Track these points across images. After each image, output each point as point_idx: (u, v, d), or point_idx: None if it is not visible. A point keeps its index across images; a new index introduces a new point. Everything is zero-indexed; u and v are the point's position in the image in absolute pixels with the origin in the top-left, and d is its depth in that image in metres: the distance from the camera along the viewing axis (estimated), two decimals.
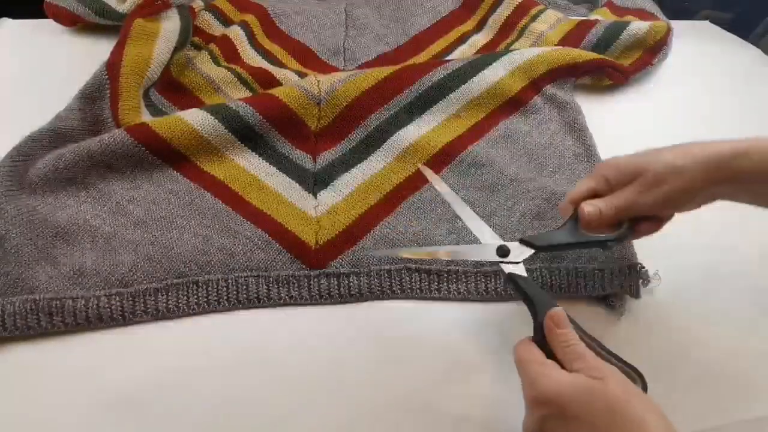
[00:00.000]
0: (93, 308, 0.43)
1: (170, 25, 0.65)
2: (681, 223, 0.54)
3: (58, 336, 0.43)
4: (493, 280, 0.47)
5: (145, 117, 0.56)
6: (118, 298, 0.44)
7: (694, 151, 0.38)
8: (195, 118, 0.53)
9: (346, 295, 0.46)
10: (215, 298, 0.45)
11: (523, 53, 0.64)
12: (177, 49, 0.64)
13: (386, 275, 0.47)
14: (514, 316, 0.46)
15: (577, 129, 0.59)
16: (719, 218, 0.55)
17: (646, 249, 0.49)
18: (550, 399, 0.33)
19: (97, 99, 0.56)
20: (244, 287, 0.45)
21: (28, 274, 0.44)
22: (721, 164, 0.37)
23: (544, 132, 0.59)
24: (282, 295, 0.46)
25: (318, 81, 0.58)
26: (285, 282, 0.46)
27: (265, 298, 0.45)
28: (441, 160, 0.55)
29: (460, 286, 0.47)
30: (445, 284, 0.47)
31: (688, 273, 0.51)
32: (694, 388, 0.39)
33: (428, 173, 0.51)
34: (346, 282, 0.46)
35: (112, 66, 0.57)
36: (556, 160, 0.56)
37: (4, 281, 0.43)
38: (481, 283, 0.47)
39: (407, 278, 0.47)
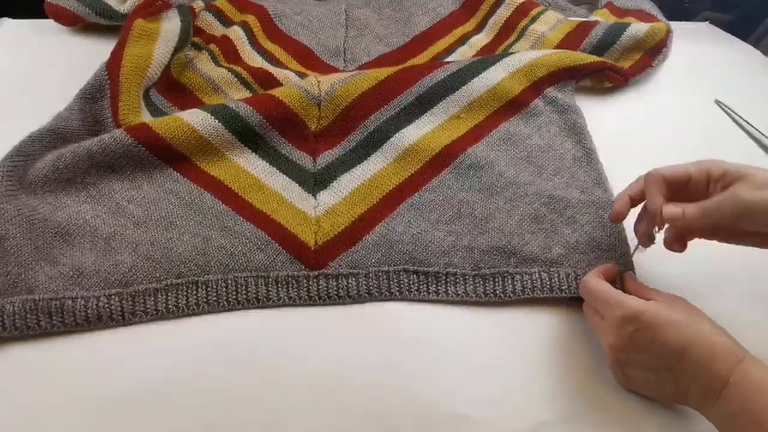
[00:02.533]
0: (92, 308, 0.43)
1: (170, 25, 0.65)
2: None
3: (57, 336, 0.43)
4: (491, 282, 0.47)
5: (145, 117, 0.56)
6: (117, 298, 0.44)
7: None
8: (195, 118, 0.53)
9: (345, 296, 0.46)
10: (215, 298, 0.45)
11: (524, 56, 0.64)
12: (177, 49, 0.64)
13: (384, 276, 0.47)
14: (513, 319, 0.46)
15: (577, 132, 0.59)
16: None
17: (646, 250, 0.49)
18: (639, 314, 0.38)
19: (97, 99, 0.56)
20: (243, 288, 0.45)
21: (27, 274, 0.44)
22: None
23: (544, 135, 0.59)
24: (281, 295, 0.46)
25: (318, 81, 0.58)
26: (284, 282, 0.46)
27: (264, 299, 0.45)
28: (441, 161, 0.55)
29: (458, 288, 0.47)
30: (443, 286, 0.47)
31: (687, 273, 0.51)
32: None
33: None
34: (345, 283, 0.46)
35: (113, 66, 0.57)
36: (555, 163, 0.56)
37: (3, 281, 0.43)
38: (479, 285, 0.47)
39: (405, 280, 0.47)
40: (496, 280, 0.47)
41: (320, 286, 0.46)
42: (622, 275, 0.46)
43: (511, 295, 0.47)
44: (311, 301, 0.46)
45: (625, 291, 0.43)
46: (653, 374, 0.38)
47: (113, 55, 0.58)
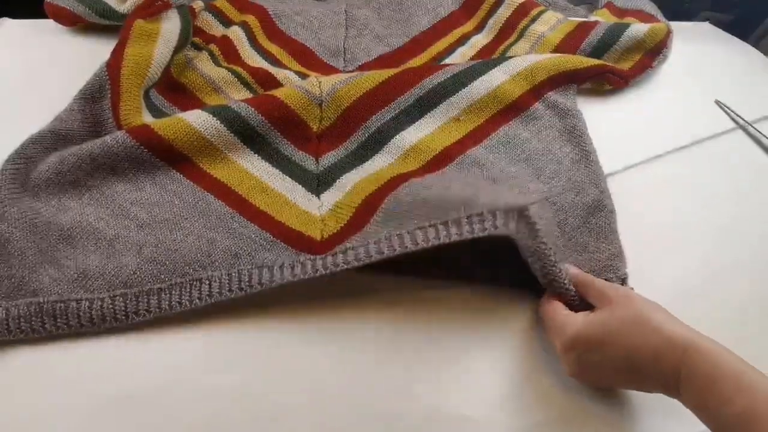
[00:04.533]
0: (97, 309, 0.43)
1: (170, 25, 0.65)
2: (681, 224, 0.54)
3: (58, 338, 0.43)
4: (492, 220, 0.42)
5: (146, 118, 0.56)
6: (122, 299, 0.44)
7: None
8: (197, 119, 0.53)
9: (353, 260, 0.44)
10: (217, 290, 0.44)
11: (525, 59, 0.64)
12: (177, 49, 0.64)
13: (397, 237, 0.44)
14: (514, 318, 0.46)
15: (576, 135, 0.59)
16: (718, 219, 0.55)
17: (646, 250, 0.49)
18: (575, 340, 0.38)
19: (98, 99, 0.56)
20: (247, 276, 0.45)
21: (31, 276, 0.44)
22: None
23: (543, 139, 0.59)
24: (285, 275, 0.44)
25: (319, 82, 0.58)
26: (290, 267, 0.45)
27: (267, 282, 0.44)
28: (440, 163, 0.55)
29: (464, 229, 0.42)
30: (455, 228, 0.42)
31: (687, 274, 0.51)
32: None
33: None
34: (353, 252, 0.44)
35: (113, 66, 0.57)
36: (553, 167, 0.56)
37: (8, 284, 0.43)
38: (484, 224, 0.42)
39: (420, 233, 0.43)
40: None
41: (326, 262, 0.45)
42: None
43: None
44: (316, 273, 0.44)
45: (578, 292, 0.42)
46: (621, 382, 0.40)
47: (113, 55, 0.58)
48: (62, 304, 0.43)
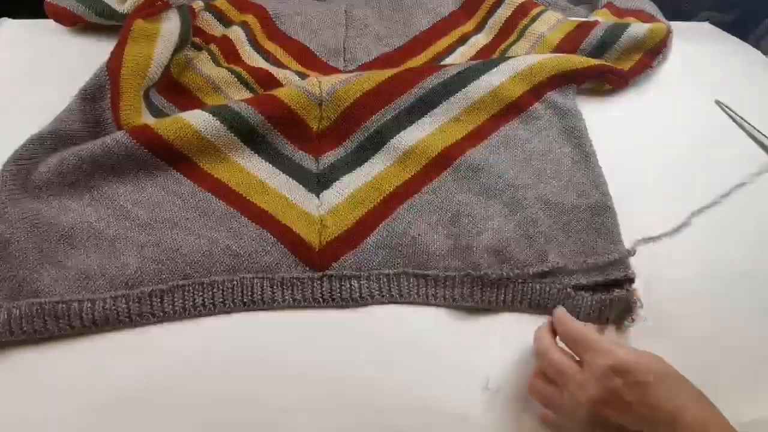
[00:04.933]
0: (99, 310, 0.43)
1: (170, 25, 0.65)
2: (680, 223, 0.54)
3: (59, 338, 0.43)
4: (489, 288, 0.47)
5: (146, 118, 0.56)
6: (123, 300, 0.44)
7: None
8: (197, 119, 0.53)
9: (348, 299, 0.46)
10: (221, 299, 0.45)
11: (525, 59, 0.64)
12: (177, 49, 0.64)
13: (385, 279, 0.47)
14: (514, 318, 0.46)
15: (576, 136, 0.59)
16: (718, 219, 0.55)
17: (646, 250, 0.49)
18: (632, 365, 0.34)
19: (98, 99, 0.56)
20: (249, 289, 0.46)
21: (33, 277, 0.44)
22: None
23: (543, 139, 0.59)
24: (286, 297, 0.46)
25: (319, 82, 0.58)
26: (289, 285, 0.46)
27: (269, 301, 0.46)
28: (440, 163, 0.55)
29: (455, 292, 0.47)
30: (441, 290, 0.47)
31: (687, 273, 0.51)
32: None
33: None
34: (348, 285, 0.47)
35: (113, 66, 0.57)
36: (553, 167, 0.56)
37: (9, 285, 0.43)
38: (476, 291, 0.47)
39: (405, 283, 0.47)
40: (492, 286, 0.47)
41: (324, 288, 0.47)
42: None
43: (501, 304, 0.47)
44: (315, 303, 0.46)
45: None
46: None
47: (113, 55, 0.58)
48: (64, 305, 0.43)
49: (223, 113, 0.54)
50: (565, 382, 0.36)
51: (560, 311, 0.41)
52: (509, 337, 0.45)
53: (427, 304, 0.47)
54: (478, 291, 0.47)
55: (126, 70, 0.57)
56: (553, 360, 0.38)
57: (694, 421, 0.32)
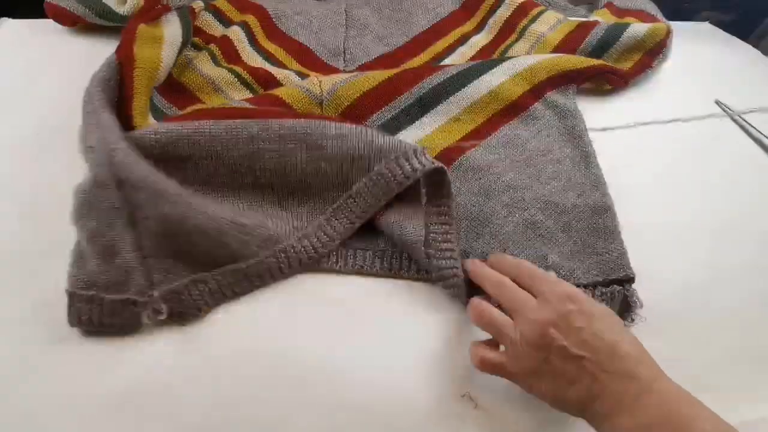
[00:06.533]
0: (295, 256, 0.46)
1: (172, 29, 0.64)
2: (680, 222, 0.54)
3: (59, 338, 0.42)
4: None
5: (150, 119, 0.56)
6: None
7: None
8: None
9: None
10: None
11: (525, 59, 0.64)
12: (179, 51, 0.63)
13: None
14: None
15: (576, 136, 0.59)
16: (718, 218, 0.55)
17: (646, 249, 0.49)
18: (582, 297, 0.38)
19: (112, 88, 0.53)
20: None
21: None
22: None
23: (543, 139, 0.59)
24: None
25: (320, 81, 0.58)
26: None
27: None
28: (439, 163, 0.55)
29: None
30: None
31: (688, 273, 0.51)
32: (694, 390, 0.39)
33: None
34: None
35: (125, 65, 0.55)
36: (553, 167, 0.56)
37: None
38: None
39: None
40: None
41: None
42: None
43: None
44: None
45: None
46: (573, 365, 0.36)
47: (122, 53, 0.56)
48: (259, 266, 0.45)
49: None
50: (520, 307, 0.39)
51: (500, 256, 0.45)
52: None
53: (427, 304, 0.47)
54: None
55: (139, 71, 0.56)
56: (512, 289, 0.41)
57: (628, 354, 0.36)
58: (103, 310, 0.42)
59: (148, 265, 0.43)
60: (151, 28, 0.62)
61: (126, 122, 0.51)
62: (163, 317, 0.42)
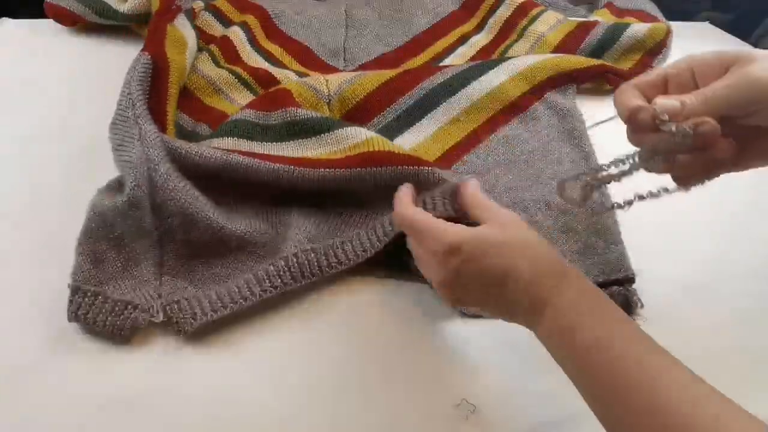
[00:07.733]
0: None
1: (189, 32, 0.65)
2: (680, 222, 0.54)
3: (58, 339, 0.42)
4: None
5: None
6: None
7: None
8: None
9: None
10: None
11: (525, 59, 0.64)
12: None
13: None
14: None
15: (576, 136, 0.59)
16: (720, 218, 0.55)
17: (646, 249, 0.49)
18: (461, 245, 0.35)
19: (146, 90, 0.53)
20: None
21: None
22: None
23: (542, 139, 0.59)
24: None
25: (326, 80, 0.58)
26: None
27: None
28: (439, 164, 0.55)
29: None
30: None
31: (688, 272, 0.51)
32: None
33: None
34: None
35: (159, 64, 0.56)
36: (552, 168, 0.56)
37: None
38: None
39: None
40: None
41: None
42: (459, 187, 0.42)
43: None
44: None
45: (461, 204, 0.41)
46: (483, 300, 0.37)
47: (154, 53, 0.56)
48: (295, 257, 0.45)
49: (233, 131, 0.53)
50: (425, 268, 0.39)
51: (400, 192, 0.41)
52: (510, 335, 0.45)
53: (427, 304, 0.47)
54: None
55: (173, 77, 0.56)
56: (414, 246, 0.40)
57: (521, 275, 0.34)
58: (104, 307, 0.42)
59: (163, 281, 0.44)
60: (175, 30, 0.62)
61: (159, 125, 0.51)
62: (158, 321, 0.42)
